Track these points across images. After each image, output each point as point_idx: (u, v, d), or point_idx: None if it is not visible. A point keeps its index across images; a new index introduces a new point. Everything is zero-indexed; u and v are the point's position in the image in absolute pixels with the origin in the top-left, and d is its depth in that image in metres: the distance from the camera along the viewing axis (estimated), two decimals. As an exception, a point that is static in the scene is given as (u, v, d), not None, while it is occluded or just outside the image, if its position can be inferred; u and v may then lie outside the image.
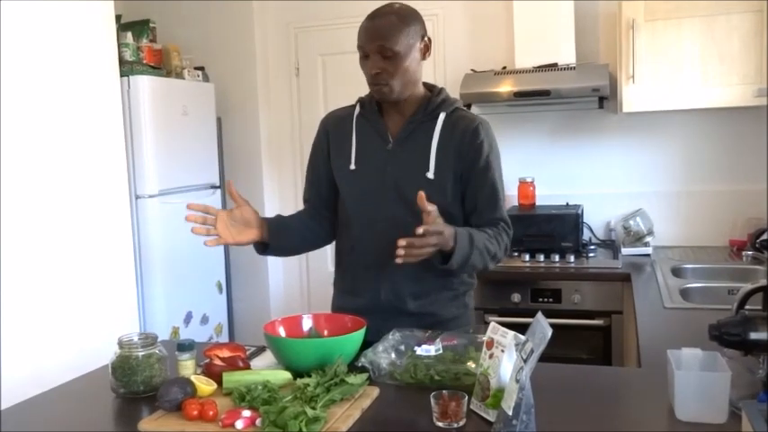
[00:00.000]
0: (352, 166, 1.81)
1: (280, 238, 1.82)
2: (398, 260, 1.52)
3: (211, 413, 1.31)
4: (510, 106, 3.34)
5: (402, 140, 1.78)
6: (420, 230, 1.50)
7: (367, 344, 1.57)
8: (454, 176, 1.76)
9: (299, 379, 1.42)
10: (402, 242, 1.50)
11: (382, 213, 1.77)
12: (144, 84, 3.07)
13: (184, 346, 1.57)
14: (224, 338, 3.61)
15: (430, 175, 1.74)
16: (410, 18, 1.71)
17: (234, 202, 1.76)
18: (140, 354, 1.50)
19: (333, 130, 1.88)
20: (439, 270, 1.73)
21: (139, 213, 3.11)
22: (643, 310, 2.23)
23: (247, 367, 1.56)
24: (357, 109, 1.86)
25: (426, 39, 1.75)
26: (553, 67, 3.15)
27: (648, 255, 3.12)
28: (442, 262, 1.64)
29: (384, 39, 1.67)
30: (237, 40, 3.80)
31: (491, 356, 1.32)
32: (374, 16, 1.71)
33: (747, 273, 2.75)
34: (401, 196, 1.75)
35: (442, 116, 1.77)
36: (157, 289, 3.16)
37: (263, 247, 1.82)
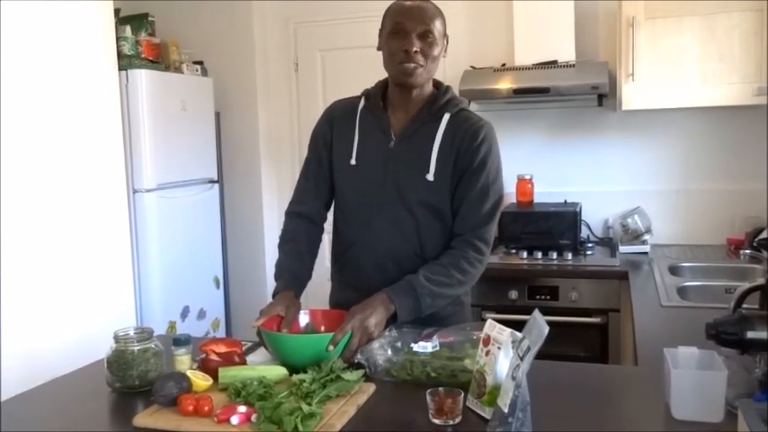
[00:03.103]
0: (353, 162, 1.79)
1: (301, 292, 1.80)
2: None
3: (207, 408, 1.31)
4: (509, 103, 3.34)
5: (405, 139, 1.76)
6: (330, 348, 1.49)
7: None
8: (452, 179, 1.74)
9: (294, 375, 1.42)
10: (331, 348, 1.49)
11: (381, 211, 1.76)
12: (142, 78, 3.06)
13: (180, 341, 1.57)
14: (221, 333, 3.61)
15: (429, 177, 1.72)
16: (441, 11, 1.74)
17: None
18: (136, 348, 1.50)
19: (338, 120, 1.85)
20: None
21: (137, 207, 3.11)
22: (640, 308, 2.22)
23: (243, 363, 1.55)
24: (362, 102, 1.84)
25: (447, 37, 1.76)
26: (552, 64, 3.14)
27: (646, 253, 3.12)
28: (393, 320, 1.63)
29: (428, 21, 1.67)
30: (237, 34, 3.79)
31: (487, 353, 1.32)
32: None
33: (745, 271, 2.75)
34: (400, 196, 1.74)
35: (446, 117, 1.75)
36: (154, 283, 3.16)
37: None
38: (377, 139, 1.78)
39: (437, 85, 1.82)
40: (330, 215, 1.92)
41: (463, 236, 1.73)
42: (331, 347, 1.49)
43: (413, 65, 1.68)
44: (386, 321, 1.61)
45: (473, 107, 2.99)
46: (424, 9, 1.69)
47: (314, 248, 1.88)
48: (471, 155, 1.73)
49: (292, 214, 1.90)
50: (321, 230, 1.91)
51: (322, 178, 1.87)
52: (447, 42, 1.76)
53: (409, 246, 1.76)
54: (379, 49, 1.76)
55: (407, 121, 1.77)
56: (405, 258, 1.75)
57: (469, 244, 1.72)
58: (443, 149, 1.73)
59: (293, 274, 1.79)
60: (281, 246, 1.86)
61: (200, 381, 1.43)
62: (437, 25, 1.69)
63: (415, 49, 1.67)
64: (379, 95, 1.81)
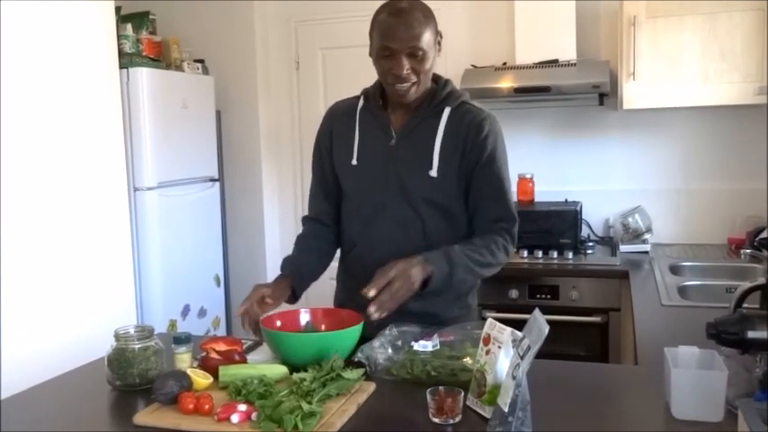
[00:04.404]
0: (354, 162, 1.77)
1: (302, 285, 1.81)
2: (375, 316, 1.49)
3: (207, 407, 1.31)
4: (510, 102, 3.33)
5: (405, 136, 1.73)
6: (371, 293, 1.48)
7: (365, 340, 1.56)
8: (458, 174, 1.71)
9: (295, 373, 1.42)
10: (372, 293, 1.49)
11: (384, 211, 1.74)
12: (143, 76, 3.06)
13: (181, 339, 1.57)
14: (221, 332, 3.61)
15: (433, 173, 1.70)
16: (430, 12, 1.66)
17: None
18: (136, 346, 1.50)
19: (337, 123, 1.84)
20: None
21: (138, 206, 3.11)
22: (641, 307, 2.22)
23: (244, 361, 1.55)
24: (361, 102, 1.81)
25: (439, 33, 1.70)
26: (554, 63, 3.14)
27: (647, 252, 3.12)
28: (421, 287, 1.60)
29: (416, 39, 1.59)
30: (238, 33, 3.79)
31: (488, 353, 1.31)
32: (399, 13, 1.60)
33: (746, 271, 2.75)
34: (404, 194, 1.72)
35: (446, 111, 1.72)
36: (155, 282, 3.16)
37: (294, 297, 1.82)
38: (377, 137, 1.76)
39: (436, 78, 1.78)
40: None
41: (490, 226, 1.72)
42: (372, 292, 1.47)
43: (406, 85, 1.65)
44: (419, 283, 1.57)
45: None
46: (409, 25, 1.59)
47: (324, 246, 1.89)
48: (479, 149, 1.70)
49: (305, 219, 1.94)
50: (332, 231, 1.91)
51: (326, 183, 1.87)
52: (440, 38, 1.70)
53: (414, 246, 1.71)
54: (370, 54, 1.70)
55: (407, 117, 1.74)
56: None
57: (501, 230, 1.72)
58: (446, 144, 1.70)
59: (294, 264, 1.82)
60: (294, 245, 1.90)
61: (201, 379, 1.43)
62: (426, 38, 1.61)
63: (405, 71, 1.62)
64: (378, 94, 1.78)
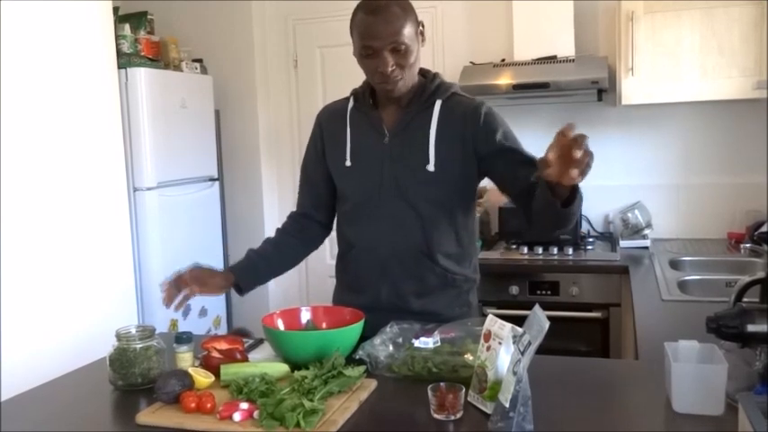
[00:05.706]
0: (348, 163, 1.76)
1: (251, 279, 1.83)
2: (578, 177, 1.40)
3: (209, 405, 1.31)
4: (509, 99, 3.33)
5: (398, 133, 1.72)
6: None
7: (366, 338, 1.56)
8: (463, 165, 1.70)
9: (296, 371, 1.42)
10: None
11: (381, 210, 1.73)
12: (142, 76, 3.06)
13: (182, 339, 1.57)
14: (222, 331, 3.61)
15: (430, 167, 1.68)
16: (408, 4, 1.64)
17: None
18: (138, 346, 1.50)
19: (326, 125, 1.83)
20: (439, 269, 1.73)
21: (137, 206, 3.11)
22: (641, 302, 2.23)
23: (245, 359, 1.56)
24: (351, 102, 1.80)
25: (421, 23, 1.67)
26: (552, 59, 3.14)
27: (647, 247, 3.13)
28: (563, 203, 1.51)
29: (396, 34, 1.57)
30: (236, 32, 3.79)
31: (488, 349, 1.32)
32: (375, 10, 1.58)
33: (745, 265, 2.75)
34: (400, 192, 1.71)
35: (438, 104, 1.70)
36: (156, 281, 3.15)
37: (239, 289, 1.82)
38: (370, 137, 1.74)
39: (424, 73, 1.76)
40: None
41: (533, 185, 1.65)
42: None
43: (392, 81, 1.64)
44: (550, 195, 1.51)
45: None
46: (388, 21, 1.57)
47: (286, 255, 1.90)
48: (486, 133, 1.69)
49: (291, 215, 1.95)
50: (306, 235, 1.91)
51: (311, 185, 1.88)
52: (423, 27, 1.67)
53: (414, 245, 1.72)
54: (354, 54, 1.67)
55: (399, 114, 1.72)
56: (410, 258, 1.72)
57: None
58: (442, 137, 1.69)
59: (248, 254, 1.86)
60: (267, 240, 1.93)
61: (203, 378, 1.43)
62: (407, 31, 1.59)
63: (390, 68, 1.60)
64: (367, 93, 1.76)
